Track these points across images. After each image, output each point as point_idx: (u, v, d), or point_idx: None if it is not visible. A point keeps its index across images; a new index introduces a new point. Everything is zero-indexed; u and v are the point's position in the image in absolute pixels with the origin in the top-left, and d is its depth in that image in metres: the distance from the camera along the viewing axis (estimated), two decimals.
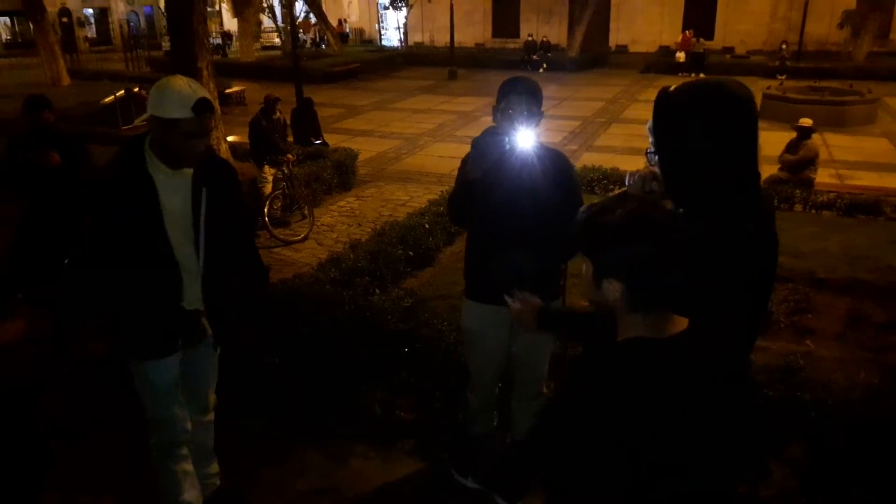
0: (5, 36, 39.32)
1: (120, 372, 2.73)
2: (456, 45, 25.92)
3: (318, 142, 10.77)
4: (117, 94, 13.77)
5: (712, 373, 1.40)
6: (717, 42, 29.01)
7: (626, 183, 1.82)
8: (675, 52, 25.00)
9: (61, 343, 4.41)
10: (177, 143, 2.36)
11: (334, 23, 32.35)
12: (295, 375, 3.77)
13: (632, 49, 30.90)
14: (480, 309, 2.91)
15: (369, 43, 36.58)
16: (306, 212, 8.12)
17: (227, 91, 17.41)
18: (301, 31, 31.95)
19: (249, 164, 8.71)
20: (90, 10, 41.36)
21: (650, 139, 1.67)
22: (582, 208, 1.44)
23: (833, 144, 12.63)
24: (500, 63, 25.78)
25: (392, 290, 5.06)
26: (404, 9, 31.97)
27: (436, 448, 3.47)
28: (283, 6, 29.57)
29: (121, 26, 35.13)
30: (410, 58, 29.17)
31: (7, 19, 39.15)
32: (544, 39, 27.98)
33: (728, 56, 27.10)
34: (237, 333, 2.88)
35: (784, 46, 23.84)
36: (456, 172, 2.80)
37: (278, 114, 8.64)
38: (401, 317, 4.24)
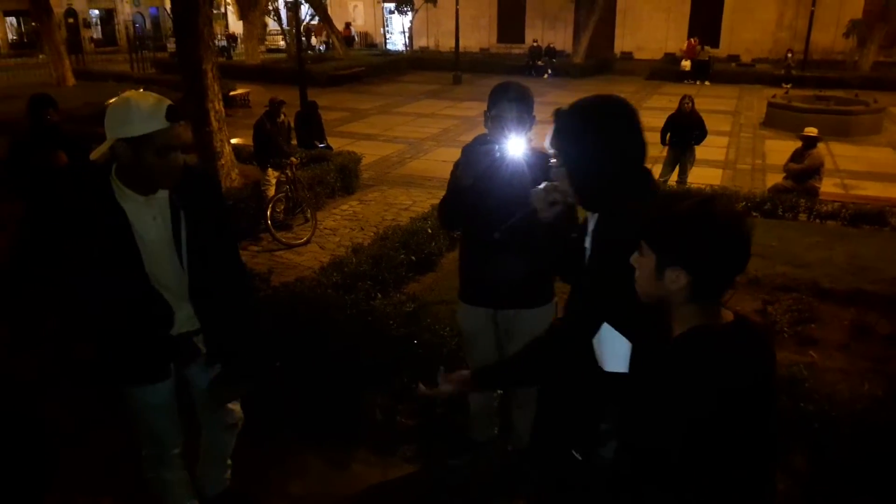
0: (11, 36, 39.48)
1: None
2: (461, 49, 25.94)
3: (321, 145, 10.77)
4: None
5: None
6: (723, 50, 28.94)
7: (531, 196, 1.93)
8: (680, 59, 24.97)
9: (62, 343, 4.40)
10: (152, 163, 2.11)
11: (340, 27, 32.39)
12: (296, 379, 3.75)
13: (637, 56, 30.82)
14: (472, 311, 3.00)
15: (374, 47, 36.62)
16: (309, 215, 8.12)
17: (232, 93, 17.42)
18: (312, 35, 32.00)
19: (253, 167, 8.73)
20: (96, 12, 41.49)
21: (551, 153, 1.86)
22: (649, 201, 1.54)
23: (838, 154, 12.61)
24: (504, 68, 25.65)
25: (394, 294, 5.06)
26: (410, 13, 32.03)
27: (437, 454, 3.44)
28: (288, 9, 29.68)
29: (126, 27, 35.36)
30: (415, 62, 29.15)
31: (13, 20, 39.31)
32: (549, 45, 28.02)
33: (733, 64, 26.97)
34: (234, 353, 2.62)
35: (790, 55, 23.85)
36: None
37: (283, 117, 8.66)
38: (402, 321, 4.22)
